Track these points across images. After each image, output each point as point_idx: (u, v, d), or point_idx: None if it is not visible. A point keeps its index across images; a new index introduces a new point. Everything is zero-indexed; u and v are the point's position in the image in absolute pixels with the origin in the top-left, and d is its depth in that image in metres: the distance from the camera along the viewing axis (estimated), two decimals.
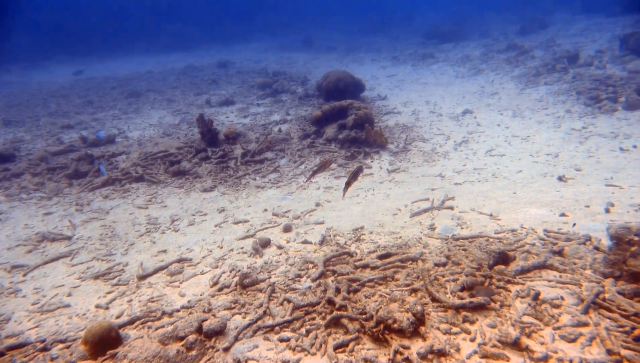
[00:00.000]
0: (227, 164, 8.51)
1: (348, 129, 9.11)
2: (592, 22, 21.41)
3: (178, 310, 4.16)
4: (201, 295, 4.43)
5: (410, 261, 4.50)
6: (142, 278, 4.87)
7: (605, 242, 4.20)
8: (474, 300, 3.61)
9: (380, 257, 4.67)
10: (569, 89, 11.20)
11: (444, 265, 4.30)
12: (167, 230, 6.21)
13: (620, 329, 3.09)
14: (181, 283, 4.73)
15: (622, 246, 3.63)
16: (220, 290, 4.47)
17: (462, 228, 5.16)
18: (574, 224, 4.79)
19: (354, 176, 4.89)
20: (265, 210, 6.62)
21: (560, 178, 6.25)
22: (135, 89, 16.55)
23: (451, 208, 5.80)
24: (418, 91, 13.97)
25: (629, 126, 8.38)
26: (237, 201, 7.15)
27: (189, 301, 4.27)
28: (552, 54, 15.46)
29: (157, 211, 6.92)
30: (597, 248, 4.13)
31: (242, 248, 5.42)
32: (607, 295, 3.43)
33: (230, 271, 4.82)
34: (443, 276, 4.10)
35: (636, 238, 3.59)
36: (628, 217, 4.82)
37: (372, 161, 8.34)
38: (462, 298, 3.71)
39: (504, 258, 4.13)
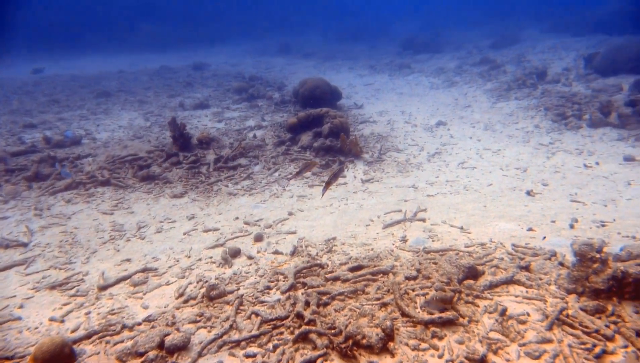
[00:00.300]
0: (199, 170, 8.31)
1: (323, 138, 9.08)
2: (559, 40, 22.31)
3: (139, 324, 3.97)
4: (165, 307, 4.25)
5: (382, 274, 4.47)
6: (103, 288, 4.65)
7: (570, 258, 4.30)
8: (443, 315, 3.60)
9: (352, 269, 4.63)
10: (537, 105, 11.56)
11: (415, 278, 4.29)
12: (133, 237, 5.98)
13: (582, 346, 3.14)
14: (145, 294, 4.54)
15: (585, 263, 3.72)
16: (185, 301, 4.31)
17: (433, 241, 5.18)
18: (544, 237, 4.89)
19: (334, 176, 4.82)
20: (237, 218, 6.48)
21: (528, 193, 6.40)
22: (106, 89, 16.01)
23: (423, 220, 5.83)
24: (394, 101, 14.12)
25: (593, 144, 8.70)
26: (207, 208, 6.97)
27: (151, 314, 4.09)
28: (523, 69, 15.98)
29: (123, 217, 6.66)
30: (561, 264, 4.22)
31: (210, 257, 5.27)
32: (570, 312, 3.49)
33: (197, 282, 4.67)
34: (413, 290, 4.09)
35: (598, 255, 3.68)
36: (590, 233, 4.96)
37: (347, 170, 8.32)
38: (431, 313, 3.70)
39: (473, 273, 4.15)
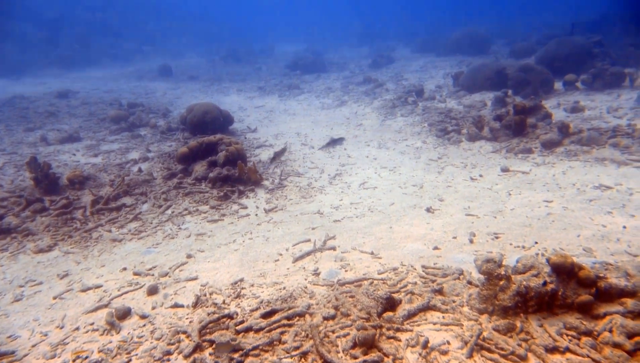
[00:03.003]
0: (73, 216, 7.06)
1: (219, 167, 8.48)
2: (427, 60, 24.83)
3: None
4: None
5: (298, 317, 4.11)
6: None
7: (475, 275, 4.45)
8: (367, 358, 3.38)
9: (265, 315, 4.19)
10: (421, 121, 12.45)
11: (333, 318, 4.02)
12: None
13: None
14: None
15: (492, 281, 3.83)
16: None
17: (346, 271, 5.00)
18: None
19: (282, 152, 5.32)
20: (124, 269, 5.57)
21: (428, 209, 6.65)
22: None
23: (333, 248, 5.64)
24: (287, 123, 14.04)
25: (473, 156, 9.55)
26: (86, 261, 5.90)
27: None
28: (402, 88, 17.25)
29: None
30: (470, 282, 4.33)
31: (92, 324, 4.36)
32: (485, 333, 3.53)
33: (74, 361, 3.78)
34: (333, 331, 3.81)
35: (503, 272, 3.82)
36: (488, 246, 5.26)
37: (248, 200, 7.85)
38: (355, 357, 3.45)
39: (391, 303, 4.04)
